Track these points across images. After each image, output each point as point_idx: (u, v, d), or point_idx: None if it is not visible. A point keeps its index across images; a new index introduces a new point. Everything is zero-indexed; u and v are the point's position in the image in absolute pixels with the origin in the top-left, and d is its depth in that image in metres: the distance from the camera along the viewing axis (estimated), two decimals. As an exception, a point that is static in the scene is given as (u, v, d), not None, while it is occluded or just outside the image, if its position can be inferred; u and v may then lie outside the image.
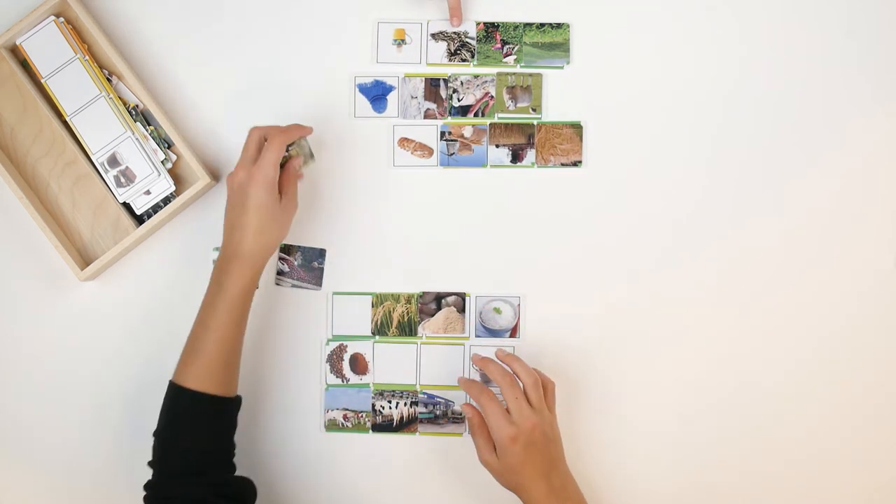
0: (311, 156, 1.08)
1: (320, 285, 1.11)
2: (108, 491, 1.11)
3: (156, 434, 1.00)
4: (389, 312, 1.11)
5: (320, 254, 1.11)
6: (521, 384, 1.02)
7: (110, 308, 1.12)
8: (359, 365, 1.11)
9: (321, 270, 1.11)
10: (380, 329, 1.11)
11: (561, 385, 1.11)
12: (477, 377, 1.10)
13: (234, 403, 1.02)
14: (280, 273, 1.11)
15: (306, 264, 1.11)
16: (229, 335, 1.00)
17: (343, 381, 1.11)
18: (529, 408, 1.00)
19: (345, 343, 1.11)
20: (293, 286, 1.11)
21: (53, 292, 1.12)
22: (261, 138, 1.03)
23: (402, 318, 1.11)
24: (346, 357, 1.11)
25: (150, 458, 1.00)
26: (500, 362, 1.05)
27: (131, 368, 1.12)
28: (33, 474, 1.11)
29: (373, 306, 1.11)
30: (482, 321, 1.11)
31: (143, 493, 0.98)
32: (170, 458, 0.98)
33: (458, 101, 1.13)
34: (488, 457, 1.01)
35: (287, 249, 1.11)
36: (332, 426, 1.11)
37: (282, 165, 1.03)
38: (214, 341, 0.99)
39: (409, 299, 1.11)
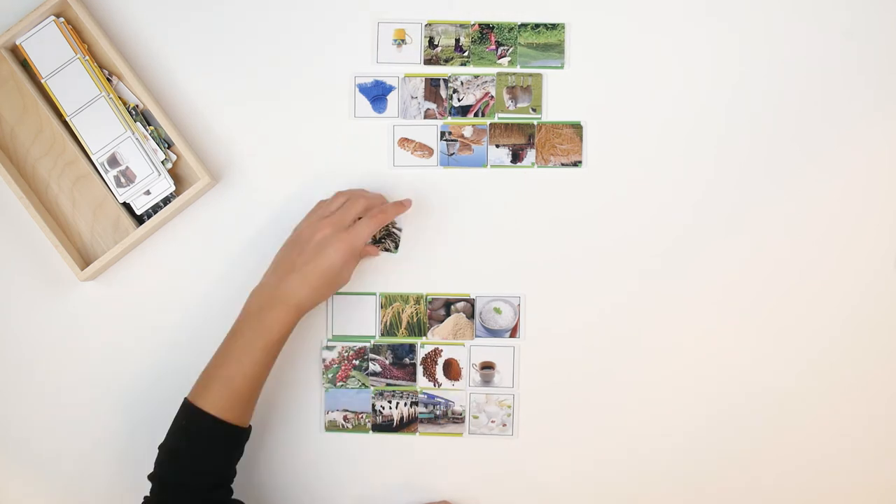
0: (396, 248, 1.10)
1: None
2: (107, 490, 1.11)
3: (164, 449, 0.99)
4: (398, 314, 1.11)
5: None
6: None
7: (110, 308, 1.12)
8: (452, 370, 1.11)
9: None
10: (389, 330, 1.11)
11: (561, 384, 1.11)
12: (477, 377, 1.10)
13: (246, 434, 1.01)
14: None
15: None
16: (260, 373, 1.00)
17: (435, 385, 1.11)
18: None
19: (440, 348, 1.11)
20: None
21: (53, 292, 1.12)
22: (363, 209, 1.04)
23: (412, 318, 1.11)
24: (441, 361, 1.11)
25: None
26: None
27: (131, 369, 1.12)
28: (32, 474, 1.11)
29: (382, 307, 1.11)
30: (482, 321, 1.11)
31: None
32: (176, 476, 0.98)
33: (459, 101, 1.13)
34: None
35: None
36: (332, 427, 1.11)
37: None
38: (244, 376, 0.99)
39: (417, 300, 1.11)
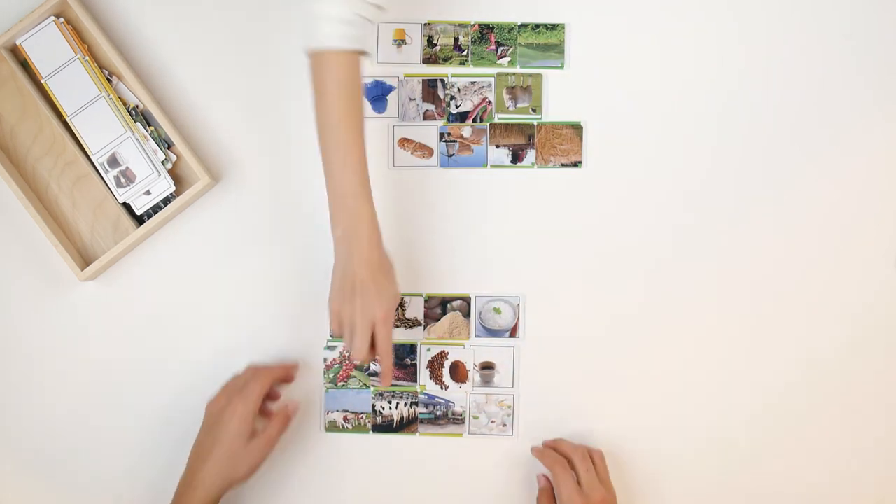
0: None
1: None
2: (106, 490, 1.11)
3: None
4: None
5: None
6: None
7: (110, 308, 1.12)
8: (459, 373, 1.11)
9: None
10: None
11: (561, 384, 1.11)
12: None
13: None
14: None
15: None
16: None
17: (442, 388, 1.11)
18: (598, 481, 1.04)
19: (446, 350, 1.11)
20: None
21: (53, 292, 1.12)
22: (254, 373, 1.04)
23: None
24: (447, 364, 1.11)
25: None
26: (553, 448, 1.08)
27: (131, 368, 1.12)
28: (32, 473, 1.11)
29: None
30: (482, 321, 1.11)
31: None
32: None
33: (457, 107, 1.13)
34: None
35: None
36: (332, 427, 1.11)
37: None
38: None
39: None
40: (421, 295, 1.12)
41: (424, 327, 1.11)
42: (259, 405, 1.02)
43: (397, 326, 1.11)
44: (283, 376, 1.07)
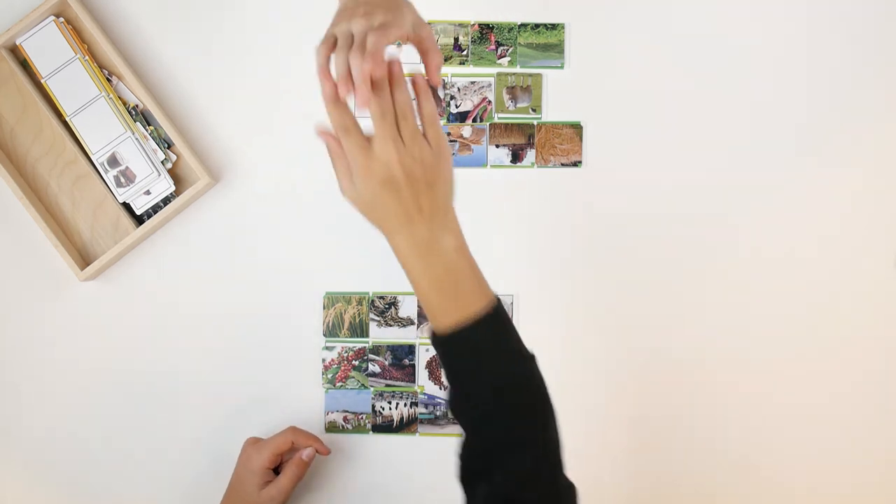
0: None
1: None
2: (106, 490, 1.11)
3: None
4: (341, 314, 1.11)
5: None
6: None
7: (110, 308, 1.12)
8: None
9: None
10: (331, 331, 1.11)
11: (552, 384, 1.11)
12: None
13: None
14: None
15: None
16: None
17: (441, 388, 1.11)
18: (397, 139, 0.80)
19: None
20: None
21: (53, 292, 1.12)
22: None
23: (354, 319, 1.11)
24: None
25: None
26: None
27: (131, 368, 1.12)
28: (32, 473, 1.11)
29: (324, 308, 1.11)
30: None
31: None
32: None
33: (457, 107, 1.13)
34: (347, 187, 0.82)
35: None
36: (332, 427, 1.11)
37: None
38: None
39: (360, 300, 1.11)
40: (366, 295, 1.11)
41: (418, 326, 1.11)
42: (273, 458, 1.03)
43: (390, 326, 1.11)
44: (310, 443, 1.06)
